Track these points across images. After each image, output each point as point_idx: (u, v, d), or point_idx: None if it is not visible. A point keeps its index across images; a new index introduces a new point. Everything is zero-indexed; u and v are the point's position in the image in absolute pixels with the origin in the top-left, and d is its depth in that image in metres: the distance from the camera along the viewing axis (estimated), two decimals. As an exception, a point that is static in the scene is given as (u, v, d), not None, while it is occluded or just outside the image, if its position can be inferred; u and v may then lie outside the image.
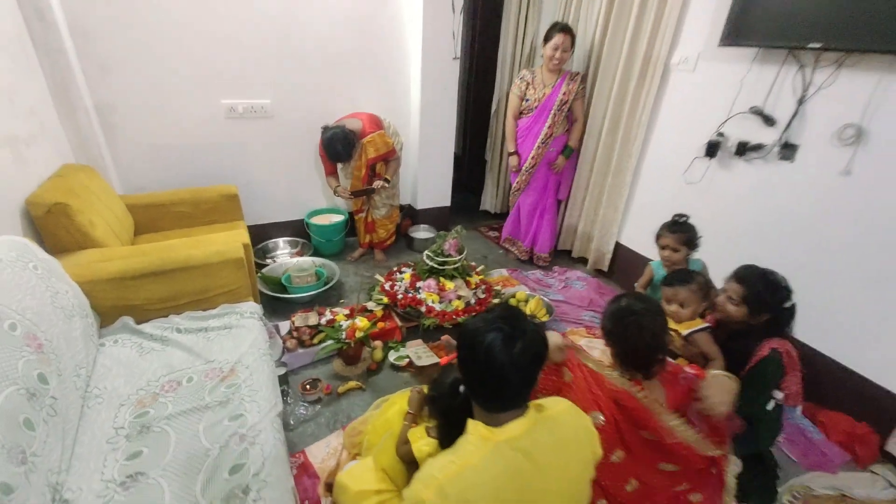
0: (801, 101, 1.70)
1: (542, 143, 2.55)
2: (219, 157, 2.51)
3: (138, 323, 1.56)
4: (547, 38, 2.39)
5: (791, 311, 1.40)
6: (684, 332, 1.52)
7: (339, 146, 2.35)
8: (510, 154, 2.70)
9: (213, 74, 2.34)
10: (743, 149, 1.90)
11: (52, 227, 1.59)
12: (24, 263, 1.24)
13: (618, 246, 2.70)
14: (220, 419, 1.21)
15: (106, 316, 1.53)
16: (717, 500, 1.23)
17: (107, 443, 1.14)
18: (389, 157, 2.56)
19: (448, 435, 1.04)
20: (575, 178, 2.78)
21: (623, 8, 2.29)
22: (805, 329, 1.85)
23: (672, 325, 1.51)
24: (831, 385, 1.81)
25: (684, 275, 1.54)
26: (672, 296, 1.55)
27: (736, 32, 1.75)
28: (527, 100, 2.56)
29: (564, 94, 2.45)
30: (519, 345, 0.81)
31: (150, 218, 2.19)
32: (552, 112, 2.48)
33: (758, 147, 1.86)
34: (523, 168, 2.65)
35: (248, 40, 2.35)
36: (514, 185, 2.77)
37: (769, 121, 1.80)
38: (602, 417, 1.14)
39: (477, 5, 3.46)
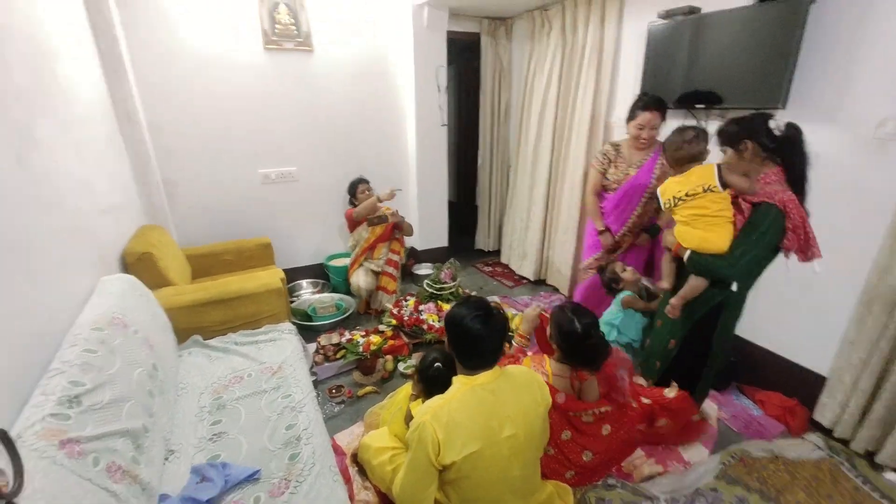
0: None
1: (629, 232, 2.31)
2: (256, 214, 3.09)
3: (204, 340, 2.01)
4: (631, 117, 2.15)
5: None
6: (714, 182, 1.54)
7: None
8: (601, 232, 2.35)
9: (252, 151, 2.98)
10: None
11: (140, 271, 2.09)
12: (134, 291, 1.74)
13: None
14: (275, 398, 1.63)
15: (180, 335, 1.99)
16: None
17: (195, 416, 1.56)
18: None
19: (430, 394, 1.47)
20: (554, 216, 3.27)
21: (569, 81, 2.92)
22: (743, 324, 2.24)
23: (698, 181, 1.57)
24: (765, 369, 2.17)
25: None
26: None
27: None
28: (608, 178, 2.31)
29: (659, 178, 2.11)
30: (491, 321, 1.23)
31: (202, 265, 2.71)
32: (644, 198, 2.20)
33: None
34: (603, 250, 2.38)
35: (279, 123, 3.00)
36: (588, 261, 2.49)
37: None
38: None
39: (461, 81, 4.20)
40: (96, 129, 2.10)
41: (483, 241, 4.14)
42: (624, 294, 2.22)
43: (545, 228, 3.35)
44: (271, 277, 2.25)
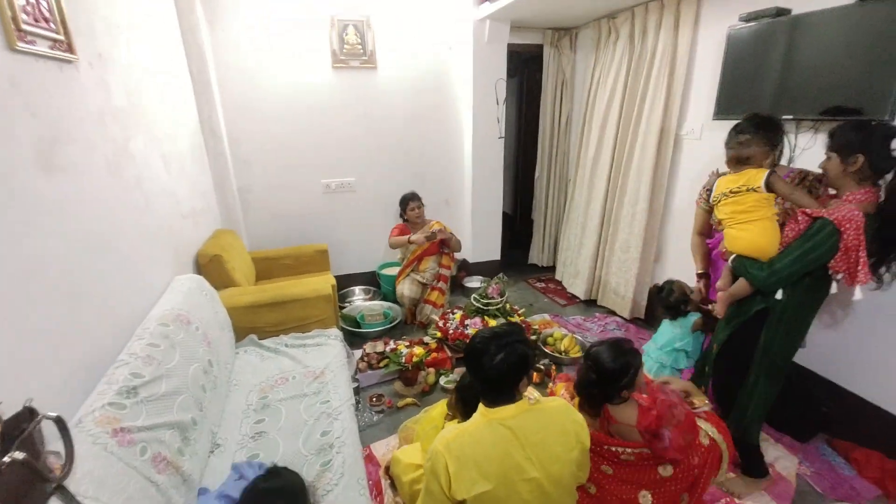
0: (790, 161, 1.97)
1: None
2: (316, 221, 3.27)
3: (259, 339, 2.15)
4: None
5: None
6: (760, 183, 1.50)
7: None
8: (698, 276, 2.01)
9: (316, 162, 3.16)
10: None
11: (210, 271, 2.28)
12: (200, 291, 1.90)
13: (651, 293, 2.92)
14: (314, 403, 1.69)
15: (238, 333, 2.14)
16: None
17: (242, 412, 1.66)
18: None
19: (467, 414, 1.42)
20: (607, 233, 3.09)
21: (635, 92, 2.75)
22: (837, 369, 1.95)
23: (745, 181, 1.53)
24: (864, 423, 1.85)
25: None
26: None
27: (725, 109, 2.12)
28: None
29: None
30: (500, 356, 1.12)
31: (266, 268, 2.91)
32: None
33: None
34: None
35: (341, 135, 3.16)
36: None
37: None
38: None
39: (522, 93, 4.15)
40: (183, 143, 2.34)
41: (537, 255, 4.02)
42: (693, 317, 2.01)
43: (599, 246, 3.16)
44: (322, 284, 2.35)
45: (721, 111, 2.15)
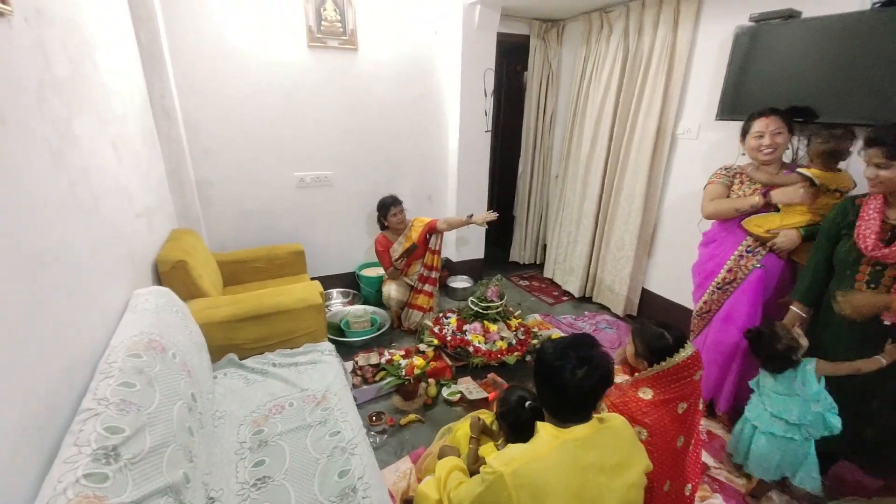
0: (793, 161, 2.00)
1: (746, 253, 1.84)
2: (289, 219, 2.94)
3: (240, 359, 1.85)
4: (745, 131, 1.83)
5: None
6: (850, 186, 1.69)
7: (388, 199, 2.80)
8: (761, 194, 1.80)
9: (289, 153, 2.82)
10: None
11: (172, 280, 1.93)
12: (170, 308, 1.57)
13: (644, 291, 2.93)
14: (322, 435, 1.45)
15: (213, 353, 1.82)
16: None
17: (234, 454, 1.39)
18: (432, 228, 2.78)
19: (516, 440, 1.27)
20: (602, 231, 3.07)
21: (631, 89, 2.71)
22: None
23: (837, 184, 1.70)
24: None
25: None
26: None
27: (729, 110, 2.11)
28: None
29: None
30: (583, 371, 1.01)
31: (233, 272, 2.56)
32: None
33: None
34: (711, 284, 1.93)
35: (317, 124, 2.85)
36: (698, 306, 2.00)
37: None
38: (645, 432, 1.27)
39: (502, 86, 4.01)
40: (133, 126, 1.95)
41: (519, 253, 3.94)
42: (813, 361, 1.53)
43: (593, 244, 3.14)
44: (309, 291, 2.08)
45: (725, 112, 2.14)
